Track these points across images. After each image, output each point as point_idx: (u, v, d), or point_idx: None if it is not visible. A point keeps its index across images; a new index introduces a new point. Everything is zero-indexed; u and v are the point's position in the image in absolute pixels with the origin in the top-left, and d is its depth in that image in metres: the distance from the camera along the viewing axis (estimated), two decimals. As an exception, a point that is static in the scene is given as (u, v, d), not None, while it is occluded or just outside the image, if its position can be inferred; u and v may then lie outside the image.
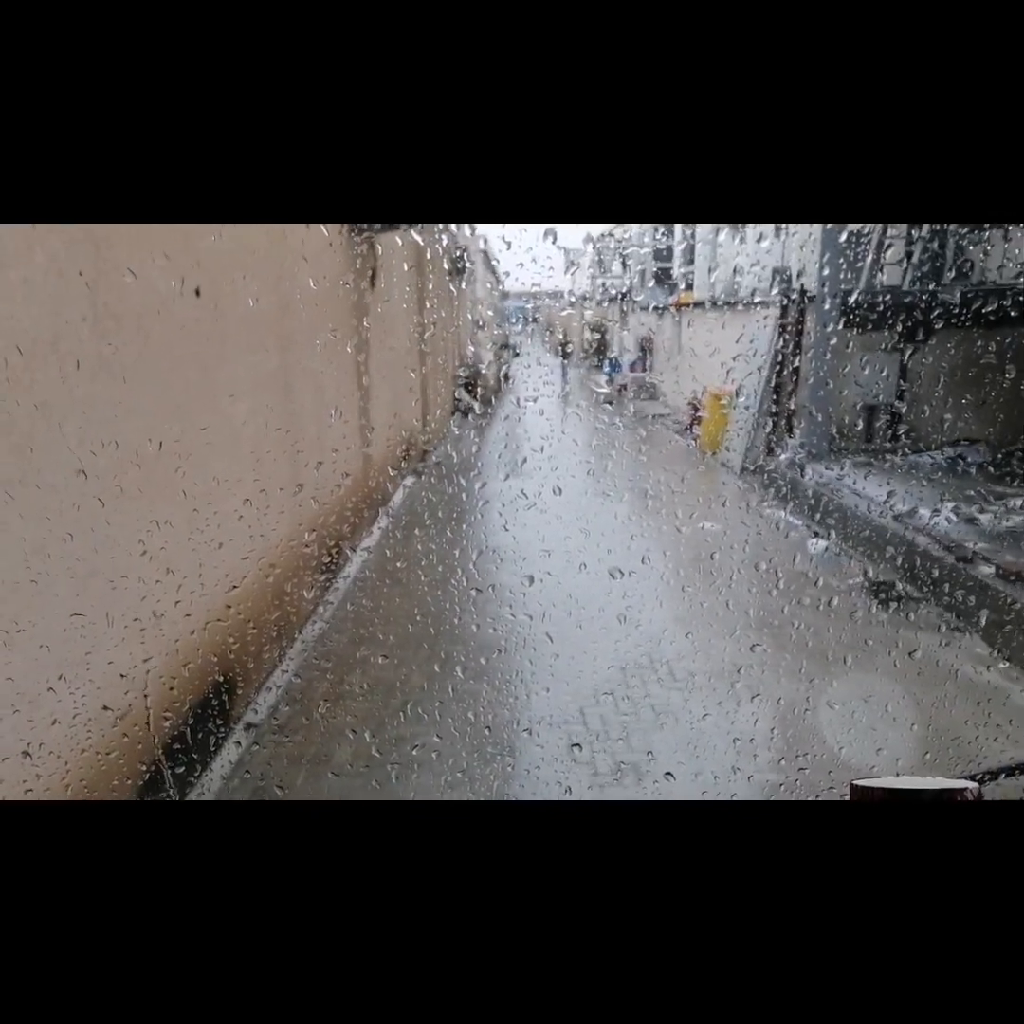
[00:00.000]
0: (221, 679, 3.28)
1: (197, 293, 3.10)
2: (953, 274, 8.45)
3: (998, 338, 7.28)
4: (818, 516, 6.77)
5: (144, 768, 2.67)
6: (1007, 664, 4.19)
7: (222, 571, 3.27)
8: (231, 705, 3.38)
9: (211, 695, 3.19)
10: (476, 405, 12.55)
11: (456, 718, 3.49)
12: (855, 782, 0.76)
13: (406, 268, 7.88)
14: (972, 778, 0.93)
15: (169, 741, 2.85)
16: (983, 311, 7.30)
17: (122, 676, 2.56)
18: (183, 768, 2.91)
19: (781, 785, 2.96)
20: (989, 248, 8.65)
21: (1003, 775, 0.93)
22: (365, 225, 5.81)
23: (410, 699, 3.64)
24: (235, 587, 3.38)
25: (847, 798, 0.77)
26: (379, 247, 6.31)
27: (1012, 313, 7.16)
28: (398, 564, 5.72)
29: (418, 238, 8.06)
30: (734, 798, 2.84)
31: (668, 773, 3.01)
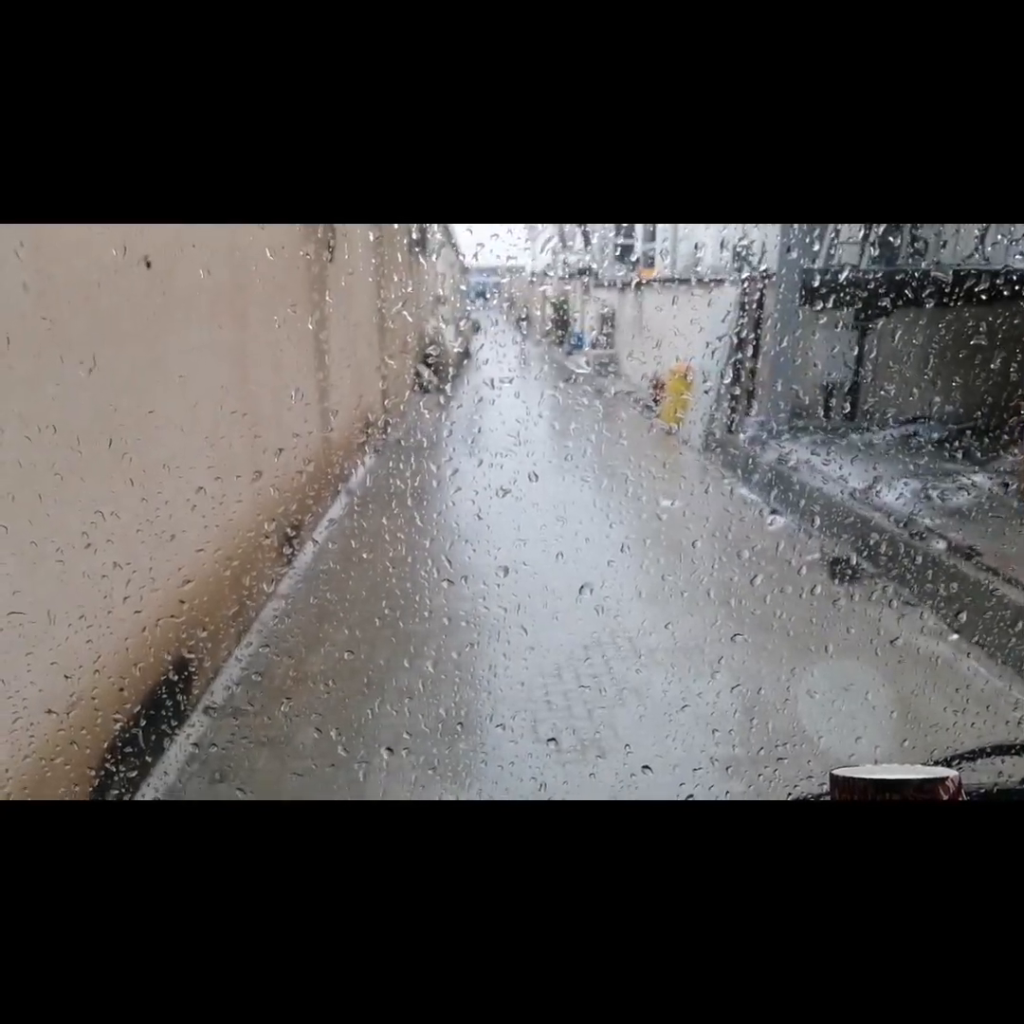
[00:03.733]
0: (176, 678, 3.19)
1: (148, 264, 3.00)
2: (908, 253, 8.58)
3: (951, 316, 7.43)
4: (777, 492, 6.87)
5: (92, 773, 2.60)
6: (957, 636, 4.32)
7: (174, 564, 3.18)
8: (187, 706, 3.31)
9: (165, 696, 3.10)
10: (437, 381, 12.45)
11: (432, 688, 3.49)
12: (835, 773, 0.77)
13: (367, 242, 7.75)
14: (947, 763, 0.95)
15: (119, 745, 2.76)
16: (936, 289, 7.43)
17: (66, 677, 2.45)
18: (135, 772, 2.83)
19: (759, 775, 3.00)
20: (942, 228, 8.80)
21: (979, 758, 0.95)
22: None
23: (378, 697, 3.60)
24: (189, 581, 3.30)
25: (826, 787, 0.78)
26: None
27: (963, 292, 7.30)
28: (362, 538, 5.67)
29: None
30: (712, 790, 2.88)
31: (646, 766, 3.03)
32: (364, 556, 5.11)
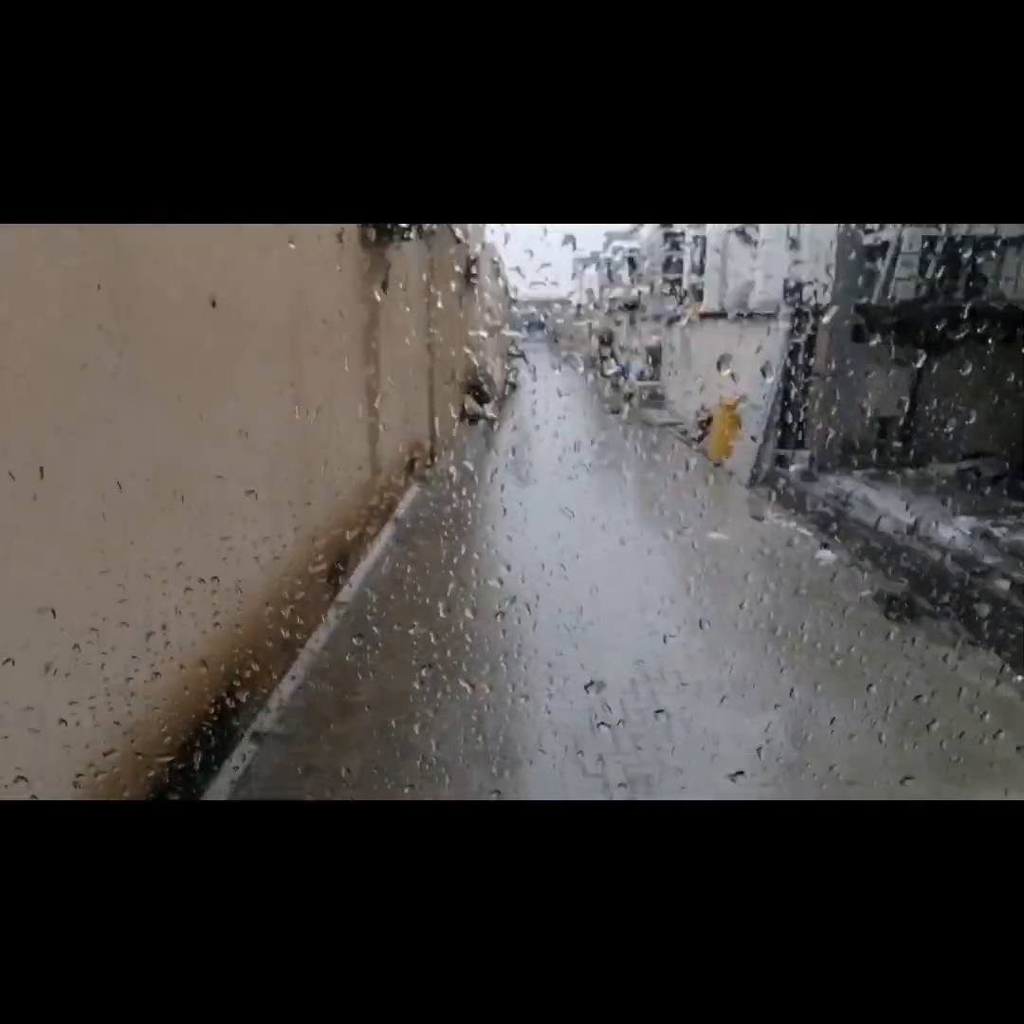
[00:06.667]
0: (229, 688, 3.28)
1: (213, 304, 3.11)
2: (966, 288, 8.44)
3: (1010, 352, 7.27)
4: (828, 528, 6.74)
5: (153, 774, 2.66)
6: (1021, 678, 4.16)
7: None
8: (250, 701, 3.38)
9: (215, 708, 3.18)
10: (484, 411, 12.58)
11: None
12: None
13: (416, 277, 7.89)
14: None
15: (185, 742, 2.87)
16: (996, 325, 7.29)
17: (132, 695, 2.54)
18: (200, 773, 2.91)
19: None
20: (1002, 263, 8.64)
21: None
22: (376, 234, 5.83)
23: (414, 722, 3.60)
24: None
25: None
26: (390, 257, 6.33)
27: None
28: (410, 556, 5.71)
29: (428, 247, 8.08)
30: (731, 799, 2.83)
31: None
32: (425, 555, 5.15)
